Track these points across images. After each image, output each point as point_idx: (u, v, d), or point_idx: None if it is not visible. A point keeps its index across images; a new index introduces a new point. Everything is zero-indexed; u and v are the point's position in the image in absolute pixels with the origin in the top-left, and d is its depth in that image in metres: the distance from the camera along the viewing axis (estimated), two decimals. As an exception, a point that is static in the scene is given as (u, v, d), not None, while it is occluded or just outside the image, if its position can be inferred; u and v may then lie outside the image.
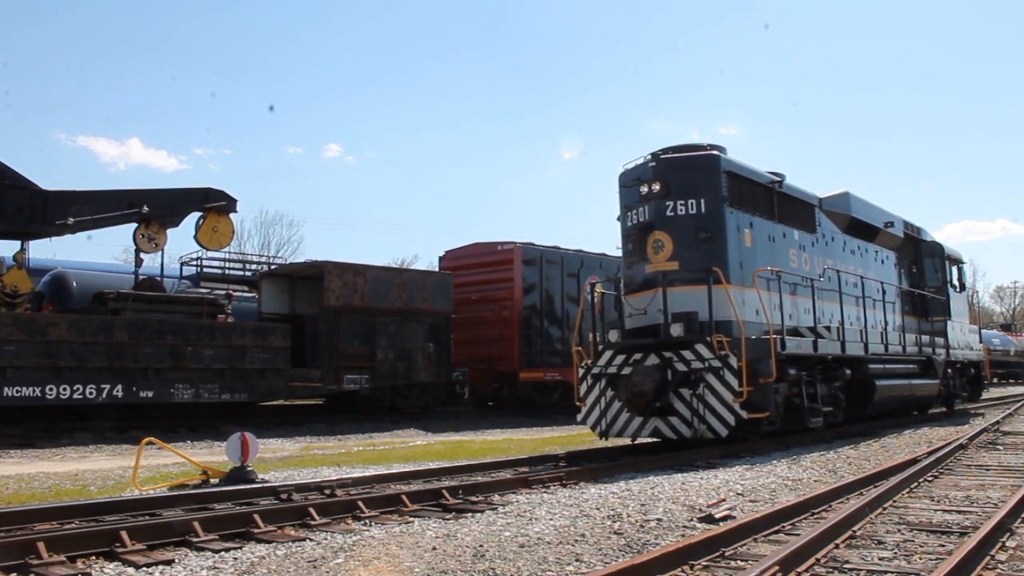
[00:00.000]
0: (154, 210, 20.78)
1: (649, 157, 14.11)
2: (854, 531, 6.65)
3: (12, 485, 10.54)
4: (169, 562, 6.03)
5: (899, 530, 6.84)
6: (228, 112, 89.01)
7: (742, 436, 13.28)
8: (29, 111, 78.37)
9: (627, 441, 13.70)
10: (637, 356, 13.23)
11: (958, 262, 23.74)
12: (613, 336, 13.88)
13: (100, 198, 20.44)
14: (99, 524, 7.15)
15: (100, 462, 13.40)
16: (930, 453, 11.58)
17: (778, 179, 15.53)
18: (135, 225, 20.83)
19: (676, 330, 12.92)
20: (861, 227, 18.50)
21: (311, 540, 6.78)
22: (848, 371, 15.71)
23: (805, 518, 7.33)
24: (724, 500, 8.48)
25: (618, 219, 14.66)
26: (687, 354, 12.79)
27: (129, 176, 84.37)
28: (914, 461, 10.79)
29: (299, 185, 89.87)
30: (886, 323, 18.46)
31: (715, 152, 14.11)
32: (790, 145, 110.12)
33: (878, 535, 6.61)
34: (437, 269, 27.50)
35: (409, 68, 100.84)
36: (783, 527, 6.89)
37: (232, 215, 22.32)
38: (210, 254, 24.10)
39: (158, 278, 21.51)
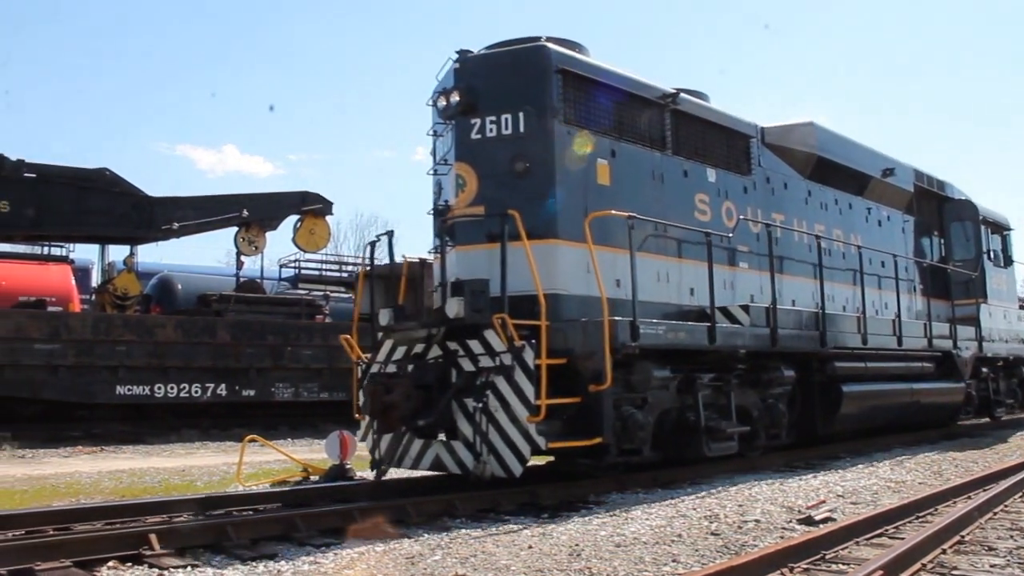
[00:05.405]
0: (254, 214, 21.46)
1: (455, 57, 9.79)
2: (962, 536, 6.43)
3: (125, 479, 11.01)
4: (272, 556, 6.21)
5: (1011, 536, 6.59)
6: (320, 119, 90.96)
7: (586, 472, 9.33)
8: (132, 122, 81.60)
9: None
10: (419, 348, 9.26)
11: (1002, 228, 18.49)
12: (384, 318, 9.48)
13: (203, 203, 21.23)
14: (206, 518, 7.41)
15: (206, 458, 13.88)
16: (1044, 455, 11.11)
17: (674, 92, 10.89)
18: (236, 229, 21.55)
19: (453, 308, 8.63)
20: (839, 172, 13.94)
21: (408, 537, 6.87)
22: (791, 372, 11.30)
23: (909, 521, 7.12)
24: (824, 502, 8.29)
25: (431, 153, 10.55)
26: (475, 345, 8.76)
27: (226, 182, 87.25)
28: (1027, 464, 10.37)
29: (391, 188, 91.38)
30: (868, 303, 13.66)
31: (543, 44, 9.62)
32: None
33: (988, 541, 6.37)
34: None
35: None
36: (886, 530, 6.71)
37: (328, 218, 22.84)
38: (308, 256, 24.77)
39: (258, 280, 22.20)
